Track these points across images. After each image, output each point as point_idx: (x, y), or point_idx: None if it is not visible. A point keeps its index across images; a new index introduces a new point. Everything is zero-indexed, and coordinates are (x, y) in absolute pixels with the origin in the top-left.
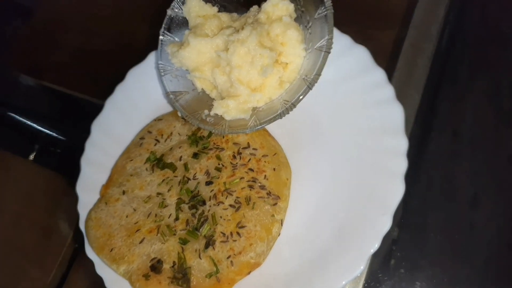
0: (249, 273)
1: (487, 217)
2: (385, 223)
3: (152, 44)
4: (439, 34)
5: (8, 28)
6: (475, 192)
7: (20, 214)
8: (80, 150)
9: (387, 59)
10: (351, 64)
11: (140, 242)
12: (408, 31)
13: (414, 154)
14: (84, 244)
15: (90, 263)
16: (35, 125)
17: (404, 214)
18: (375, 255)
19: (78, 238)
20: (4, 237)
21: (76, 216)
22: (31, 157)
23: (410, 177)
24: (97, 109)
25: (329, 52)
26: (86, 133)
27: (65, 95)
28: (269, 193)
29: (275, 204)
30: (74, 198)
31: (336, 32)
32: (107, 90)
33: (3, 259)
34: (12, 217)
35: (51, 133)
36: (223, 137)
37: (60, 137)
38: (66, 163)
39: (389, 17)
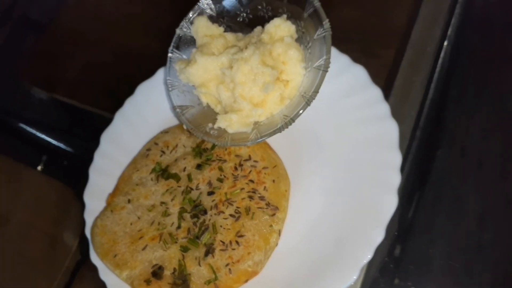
0: (246, 281)
1: (495, 237)
2: (378, 235)
3: (161, 61)
4: (436, 53)
5: (22, 42)
6: (483, 211)
7: (28, 224)
8: (88, 161)
9: (385, 77)
10: (348, 82)
11: (143, 249)
12: (406, 50)
13: (420, 172)
14: (89, 251)
15: (94, 271)
16: (44, 137)
17: (409, 233)
18: (380, 274)
19: (82, 248)
20: (12, 247)
21: (82, 226)
22: (39, 167)
23: (416, 195)
24: (106, 122)
25: (326, 71)
26: (94, 144)
27: (76, 108)
28: (268, 204)
29: (274, 214)
30: (80, 208)
31: (335, 51)
32: (117, 104)
33: (10, 269)
34: (20, 227)
35: (59, 144)
36: (226, 149)
37: (68, 148)
38: (73, 174)
39: (389, 36)
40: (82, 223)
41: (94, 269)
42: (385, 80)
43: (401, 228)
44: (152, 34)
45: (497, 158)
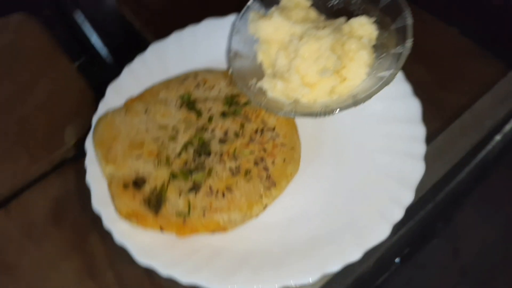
0: (213, 232)
1: None
2: (408, 196)
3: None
4: (489, 131)
5: None
6: None
7: (41, 105)
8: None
9: (436, 121)
10: (399, 109)
11: (136, 158)
12: (464, 114)
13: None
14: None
15: (74, 173)
16: (94, 38)
17: None
18: None
19: (78, 152)
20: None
21: (87, 131)
22: (76, 63)
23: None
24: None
25: (387, 84)
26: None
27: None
28: (268, 177)
29: (269, 188)
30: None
31: (401, 76)
32: None
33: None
34: (33, 104)
35: (102, 51)
36: (256, 111)
37: (107, 59)
38: (101, 84)
39: (463, 85)
40: (89, 128)
41: (75, 171)
42: (434, 124)
43: None
44: None
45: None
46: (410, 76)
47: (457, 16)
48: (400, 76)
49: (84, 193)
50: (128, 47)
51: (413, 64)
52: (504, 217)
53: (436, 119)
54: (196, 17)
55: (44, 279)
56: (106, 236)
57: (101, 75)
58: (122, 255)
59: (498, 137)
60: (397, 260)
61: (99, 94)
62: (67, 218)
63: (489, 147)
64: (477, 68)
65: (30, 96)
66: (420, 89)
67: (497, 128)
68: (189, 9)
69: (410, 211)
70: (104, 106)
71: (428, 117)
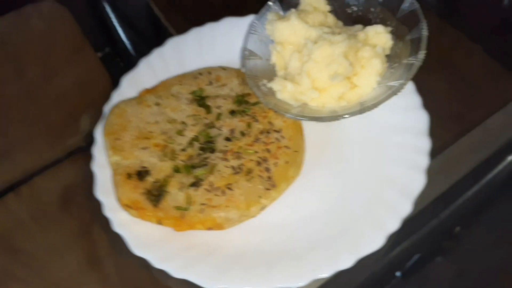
0: (209, 228)
1: None
2: (406, 207)
3: None
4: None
5: None
6: None
7: (61, 93)
8: None
9: (446, 136)
10: (406, 121)
11: (143, 149)
12: (474, 130)
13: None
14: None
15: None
16: (119, 31)
17: None
18: None
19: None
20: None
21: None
22: (99, 55)
23: None
24: None
25: (395, 94)
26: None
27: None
28: (269, 178)
29: (269, 189)
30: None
31: (412, 87)
32: None
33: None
34: (54, 91)
35: (128, 44)
36: (264, 111)
37: (133, 53)
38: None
39: (479, 101)
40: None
41: (87, 159)
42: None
43: None
44: None
45: None
46: (425, 88)
47: (483, 35)
48: (411, 88)
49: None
50: (153, 42)
51: (430, 76)
52: None
53: (446, 133)
54: (220, 16)
55: (48, 266)
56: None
57: (124, 67)
58: (124, 245)
59: (510, 158)
60: (398, 273)
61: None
62: (76, 206)
63: (500, 166)
64: (496, 86)
65: (53, 83)
66: (433, 102)
67: (510, 148)
68: (211, 7)
69: (412, 224)
70: (118, 96)
71: (438, 131)
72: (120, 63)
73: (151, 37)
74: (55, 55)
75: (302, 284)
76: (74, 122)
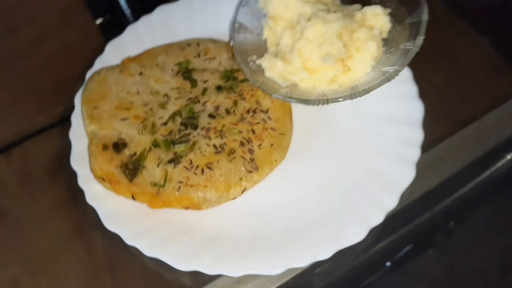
0: (186, 208)
1: None
2: (391, 201)
3: None
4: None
5: None
6: None
7: (55, 54)
8: None
9: (440, 129)
10: (400, 110)
11: (122, 120)
12: (469, 126)
13: None
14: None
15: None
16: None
17: None
18: None
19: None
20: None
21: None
22: (98, 21)
23: None
24: None
25: (389, 80)
26: None
27: None
28: (252, 160)
29: (251, 172)
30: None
31: (409, 75)
32: None
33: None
34: (46, 53)
35: (127, 12)
36: (252, 89)
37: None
38: None
39: (478, 96)
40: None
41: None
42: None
43: None
44: None
45: None
46: (424, 78)
47: (491, 27)
48: (408, 75)
49: None
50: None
51: (431, 66)
52: (503, 241)
53: (441, 127)
54: None
55: (34, 231)
56: None
57: None
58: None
59: (509, 156)
60: (388, 264)
61: None
62: (63, 173)
63: (498, 164)
64: (498, 81)
65: (47, 46)
66: (429, 93)
67: (507, 146)
68: None
69: (403, 216)
70: (101, 63)
71: (432, 124)
72: (120, 32)
73: (150, 5)
74: (51, 18)
75: (277, 272)
76: (67, 89)
